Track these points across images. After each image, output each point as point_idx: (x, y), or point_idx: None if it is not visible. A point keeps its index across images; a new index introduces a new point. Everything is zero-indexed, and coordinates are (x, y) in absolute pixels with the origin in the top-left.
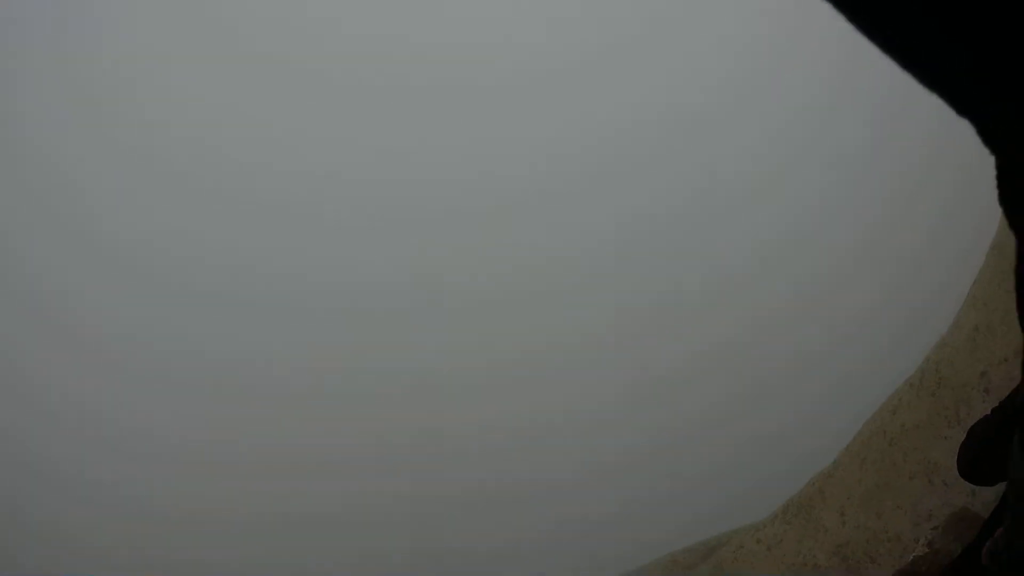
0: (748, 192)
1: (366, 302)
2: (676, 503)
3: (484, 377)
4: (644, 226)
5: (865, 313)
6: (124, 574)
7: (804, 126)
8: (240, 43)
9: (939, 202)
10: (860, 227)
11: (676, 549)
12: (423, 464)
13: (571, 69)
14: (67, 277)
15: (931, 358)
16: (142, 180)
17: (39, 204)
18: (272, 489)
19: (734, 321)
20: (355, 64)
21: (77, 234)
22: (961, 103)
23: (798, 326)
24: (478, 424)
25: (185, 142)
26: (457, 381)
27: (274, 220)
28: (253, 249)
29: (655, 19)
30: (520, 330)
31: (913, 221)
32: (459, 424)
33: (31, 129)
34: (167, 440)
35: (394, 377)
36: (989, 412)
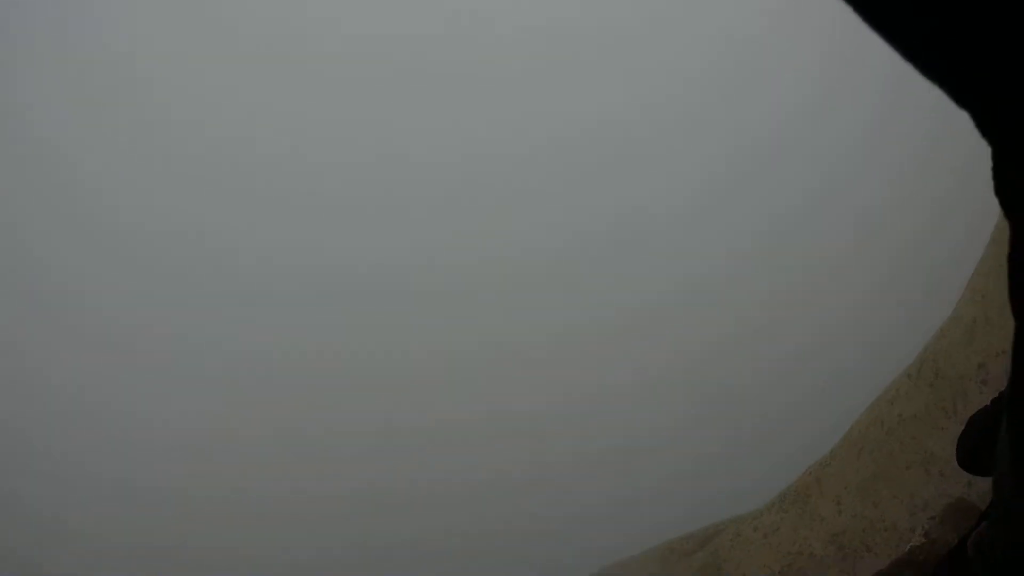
0: (747, 183)
1: (364, 295)
2: (675, 492)
3: (484, 371)
4: (643, 222)
5: (864, 304)
6: (121, 560)
7: (804, 120)
8: (240, 39)
9: (938, 196)
10: (859, 219)
11: (674, 537)
12: (423, 453)
13: (561, 64)
14: (69, 266)
15: (929, 349)
16: (146, 171)
17: (41, 196)
18: (276, 475)
19: (733, 312)
20: (354, 61)
21: (78, 223)
22: (960, 94)
23: (797, 317)
24: (474, 415)
25: (189, 133)
26: (456, 373)
27: (274, 212)
28: (254, 239)
29: (647, 16)
30: (522, 322)
31: (913, 214)
32: (457, 415)
33: (36, 120)
34: (167, 429)
35: (385, 368)
36: (988, 403)
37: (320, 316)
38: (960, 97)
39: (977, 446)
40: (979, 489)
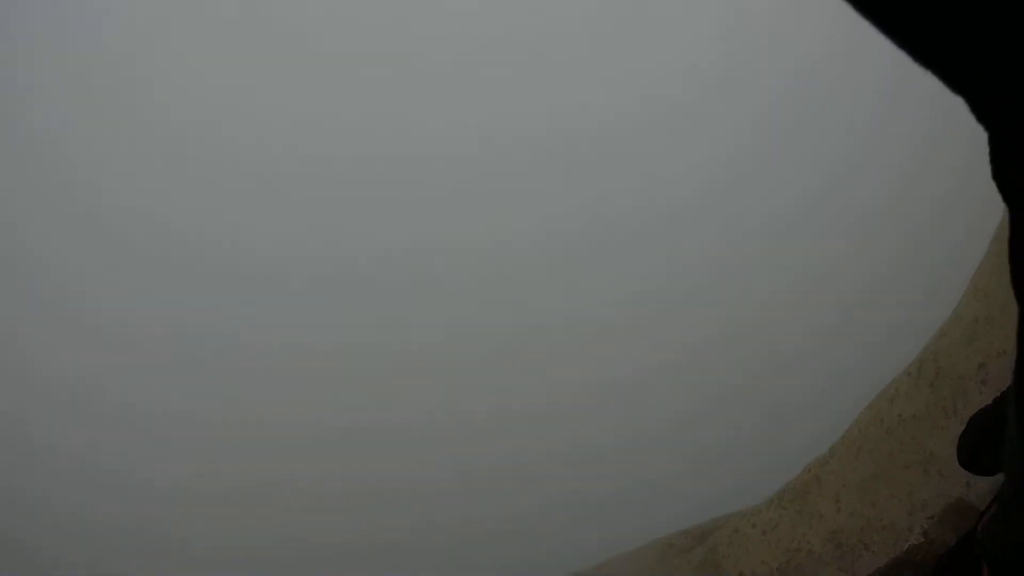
0: (747, 181)
1: (362, 291)
2: (675, 488)
3: (482, 368)
4: (644, 220)
5: (864, 301)
6: (129, 551)
7: (805, 113)
8: (240, 38)
9: (940, 192)
10: (859, 215)
11: (672, 532)
12: (423, 449)
13: (561, 63)
14: (69, 264)
15: (930, 348)
16: (146, 169)
17: (41, 190)
18: (284, 468)
19: (732, 307)
20: (353, 61)
21: (79, 220)
22: (955, 80)
23: (797, 316)
24: (473, 406)
25: (189, 133)
26: (453, 369)
27: (274, 209)
28: (255, 235)
29: (647, 12)
30: (524, 314)
31: (913, 210)
32: (457, 406)
33: (36, 120)
34: (166, 417)
35: (389, 360)
36: (989, 402)
37: (319, 312)
38: (955, 82)
39: (977, 446)
40: (979, 489)
